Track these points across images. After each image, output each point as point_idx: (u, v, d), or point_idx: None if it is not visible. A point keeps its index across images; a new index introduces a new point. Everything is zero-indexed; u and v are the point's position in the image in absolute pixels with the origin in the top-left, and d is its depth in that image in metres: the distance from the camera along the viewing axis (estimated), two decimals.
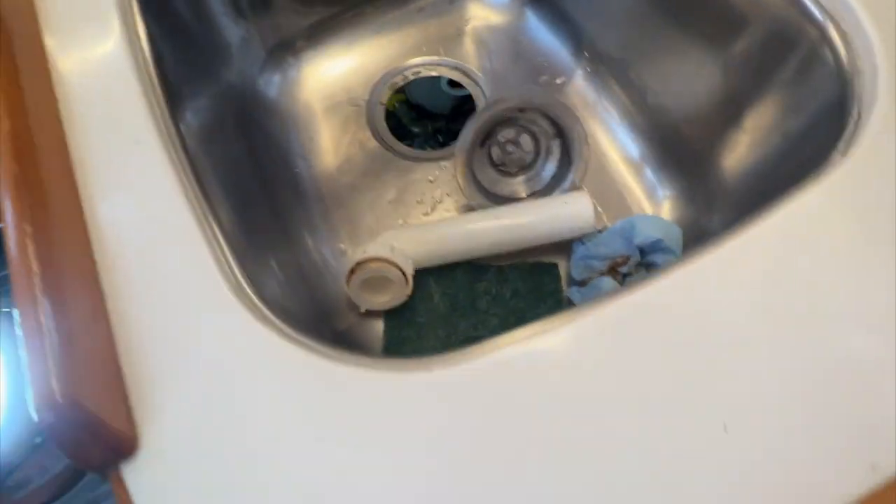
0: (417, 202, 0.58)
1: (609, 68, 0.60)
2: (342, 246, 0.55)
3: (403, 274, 0.48)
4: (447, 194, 0.59)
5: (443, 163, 0.60)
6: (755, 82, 0.43)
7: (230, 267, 0.29)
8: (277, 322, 0.27)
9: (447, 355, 0.26)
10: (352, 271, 0.48)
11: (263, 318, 0.27)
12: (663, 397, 0.24)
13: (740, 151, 0.45)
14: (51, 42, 0.34)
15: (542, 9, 0.64)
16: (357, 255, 0.48)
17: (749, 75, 0.44)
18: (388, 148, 0.61)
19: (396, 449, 0.24)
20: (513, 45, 0.65)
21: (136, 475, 0.24)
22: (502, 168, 0.57)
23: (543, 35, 0.64)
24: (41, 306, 0.23)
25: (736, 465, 0.23)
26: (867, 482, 0.22)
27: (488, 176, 0.57)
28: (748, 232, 0.27)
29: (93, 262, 0.28)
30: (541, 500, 0.22)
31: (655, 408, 0.24)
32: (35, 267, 0.24)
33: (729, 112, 0.46)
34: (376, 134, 0.61)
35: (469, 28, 0.66)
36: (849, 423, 0.24)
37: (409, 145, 0.61)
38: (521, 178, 0.57)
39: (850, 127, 0.31)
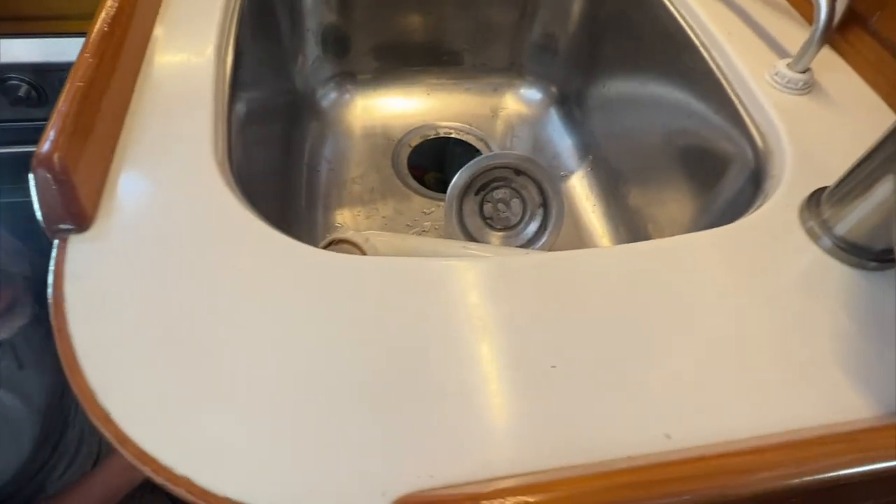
0: (407, 224, 0.65)
1: (606, 174, 0.68)
2: (328, 235, 0.62)
3: None
4: (434, 227, 0.65)
5: (442, 203, 0.67)
6: (710, 194, 0.50)
7: (225, 154, 0.36)
8: (243, 198, 0.33)
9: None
10: (325, 245, 0.54)
11: (232, 189, 0.33)
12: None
13: None
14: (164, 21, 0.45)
15: (565, 112, 0.75)
16: (337, 232, 0.54)
17: (709, 186, 0.51)
18: (401, 178, 0.69)
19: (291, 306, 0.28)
20: (533, 135, 0.75)
21: (77, 245, 0.29)
22: (489, 221, 0.64)
23: (560, 134, 0.74)
24: (66, 107, 0.31)
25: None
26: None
27: (474, 223, 0.63)
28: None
29: (126, 107, 0.35)
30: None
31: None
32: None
33: (688, 210, 0.52)
34: (395, 165, 0.70)
35: (502, 113, 0.77)
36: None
37: (423, 184, 0.70)
38: (501, 234, 0.64)
39: (753, 209, 0.37)
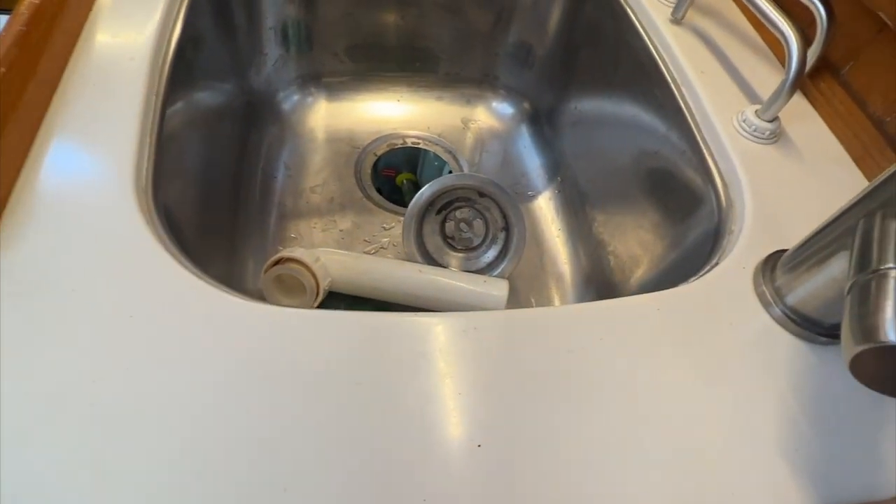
0: (365, 240, 0.63)
1: (573, 197, 0.67)
2: (280, 247, 0.59)
3: (317, 286, 0.51)
4: (393, 244, 0.63)
5: (403, 218, 0.65)
6: (672, 233, 0.49)
7: (147, 201, 0.33)
8: (164, 234, 0.30)
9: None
10: (273, 263, 0.51)
11: (150, 222, 0.31)
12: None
13: (645, 278, 0.49)
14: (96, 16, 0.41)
15: (536, 129, 0.73)
16: (286, 250, 0.52)
17: (670, 227, 0.50)
18: (362, 189, 0.67)
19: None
20: (503, 150, 0.73)
21: None
22: (450, 241, 0.62)
23: (530, 152, 0.72)
24: None
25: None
26: None
27: (434, 242, 0.61)
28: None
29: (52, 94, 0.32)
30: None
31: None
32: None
33: (649, 249, 0.51)
34: (357, 175, 0.68)
35: (473, 125, 0.75)
36: None
37: (387, 197, 0.67)
38: (462, 255, 0.62)
39: (707, 267, 0.36)
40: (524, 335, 0.30)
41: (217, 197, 0.55)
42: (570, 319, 0.31)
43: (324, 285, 0.52)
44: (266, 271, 0.51)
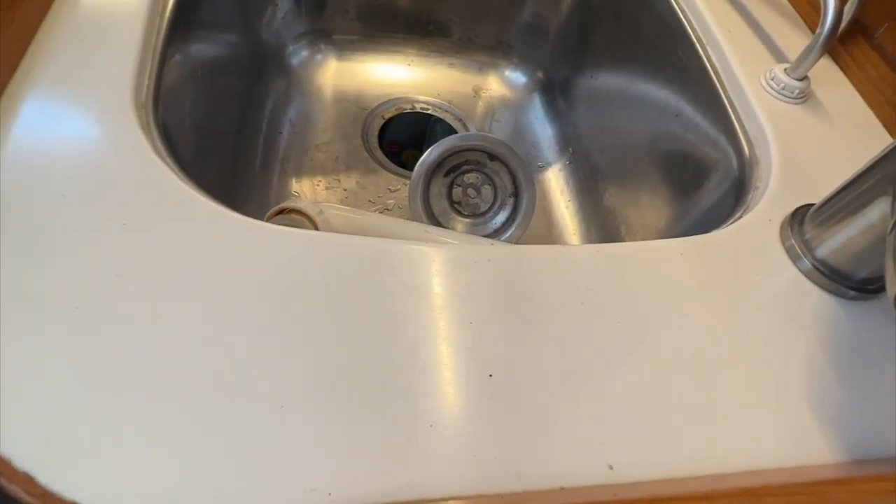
0: (369, 201, 0.61)
1: (584, 169, 0.65)
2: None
3: None
4: (399, 206, 0.61)
5: (409, 181, 0.63)
6: (688, 201, 0.47)
7: (150, 97, 0.31)
8: (165, 151, 0.29)
9: None
10: (275, 213, 0.49)
11: (150, 138, 0.29)
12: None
13: None
14: None
15: (549, 100, 0.71)
16: (288, 201, 0.50)
17: (689, 192, 0.48)
18: (368, 151, 0.65)
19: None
20: (514, 120, 0.71)
21: None
22: (457, 206, 0.60)
23: (542, 122, 0.70)
24: None
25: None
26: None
27: (440, 206, 0.60)
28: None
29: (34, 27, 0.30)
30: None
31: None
32: None
33: (664, 215, 0.49)
34: (364, 136, 0.66)
35: (485, 94, 0.73)
36: None
37: (392, 160, 0.65)
38: (468, 221, 0.60)
39: (732, 220, 0.34)
40: (541, 270, 0.28)
41: (218, 149, 0.53)
42: (590, 258, 0.29)
43: None
44: (267, 220, 0.49)
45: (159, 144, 0.29)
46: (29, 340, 0.21)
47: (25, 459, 0.19)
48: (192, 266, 0.25)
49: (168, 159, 0.28)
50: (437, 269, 0.27)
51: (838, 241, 0.30)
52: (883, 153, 0.28)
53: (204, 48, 0.48)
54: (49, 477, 0.18)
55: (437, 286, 0.26)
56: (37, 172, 0.26)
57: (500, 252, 0.28)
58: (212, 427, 0.21)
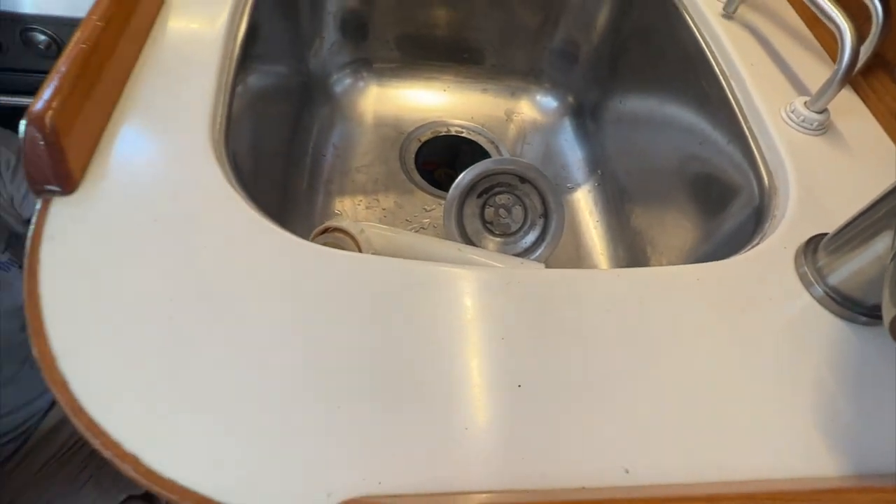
0: (406, 220, 0.65)
1: (612, 191, 0.67)
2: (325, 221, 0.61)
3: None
4: (434, 226, 0.65)
5: (443, 202, 0.67)
6: (711, 224, 0.49)
7: (222, 131, 0.35)
8: (235, 181, 0.33)
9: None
10: (320, 231, 0.53)
11: (224, 170, 0.33)
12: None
13: None
14: None
15: (579, 124, 0.74)
16: (332, 220, 0.54)
17: (711, 217, 0.50)
18: (406, 172, 0.69)
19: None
20: (545, 143, 0.74)
21: (59, 208, 0.29)
22: (489, 225, 0.63)
23: (572, 145, 0.73)
24: (65, 68, 0.30)
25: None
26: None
27: (474, 225, 0.63)
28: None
29: (128, 73, 0.35)
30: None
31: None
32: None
33: (688, 238, 0.51)
34: (402, 158, 0.70)
35: (517, 117, 0.76)
36: None
37: (428, 181, 0.69)
38: (500, 240, 0.63)
39: (748, 247, 0.36)
40: (567, 293, 0.31)
41: (271, 171, 0.58)
42: (610, 281, 0.32)
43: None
44: (313, 238, 0.53)
45: (230, 174, 0.33)
46: (135, 342, 0.25)
47: (133, 443, 0.22)
48: (262, 283, 0.28)
49: (238, 188, 0.33)
50: (471, 290, 0.30)
51: (849, 270, 0.32)
52: (890, 188, 0.30)
53: (261, 79, 0.53)
54: (151, 458, 0.22)
55: (471, 305, 0.30)
56: (133, 201, 0.30)
57: (529, 275, 0.31)
58: (281, 420, 0.24)
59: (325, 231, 0.54)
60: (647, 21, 0.63)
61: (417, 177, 0.69)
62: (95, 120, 0.32)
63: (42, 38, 0.80)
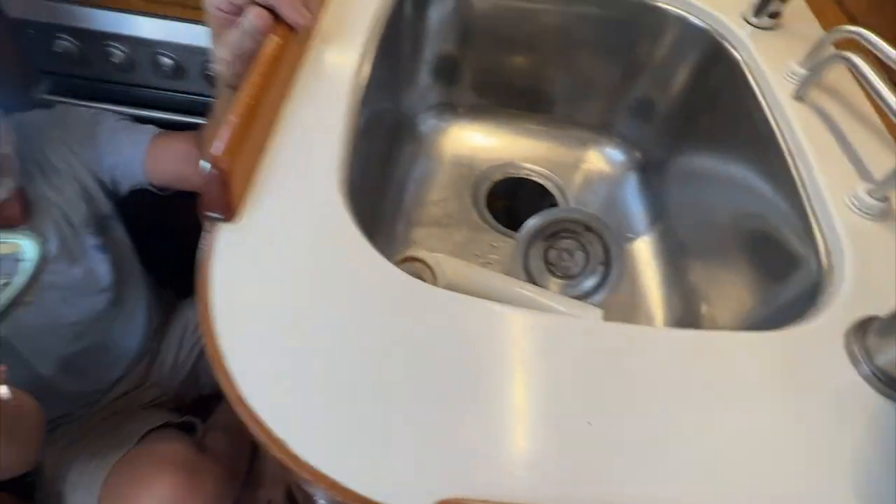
0: (475, 254, 0.70)
1: (672, 245, 0.71)
2: (402, 250, 0.68)
3: (435, 285, 0.59)
4: (499, 262, 0.70)
5: (510, 240, 0.72)
6: (767, 292, 0.52)
7: (343, 186, 0.42)
8: (352, 215, 0.39)
9: None
10: (402, 259, 0.60)
11: (346, 204, 0.40)
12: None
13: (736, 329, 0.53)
14: (316, 42, 0.52)
15: (643, 178, 0.78)
16: (413, 250, 0.60)
17: (767, 286, 0.53)
18: (478, 210, 0.75)
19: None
20: (609, 192, 0.79)
21: (223, 233, 0.36)
22: (551, 267, 0.68)
23: (635, 197, 0.77)
24: (235, 119, 0.38)
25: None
26: None
27: (537, 266, 0.68)
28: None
29: (275, 122, 0.42)
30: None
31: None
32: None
33: (743, 302, 0.55)
34: (474, 196, 0.76)
35: (584, 166, 0.81)
36: None
37: (495, 218, 0.75)
38: (561, 282, 0.68)
39: (801, 321, 0.40)
40: (624, 346, 0.35)
41: (365, 199, 0.65)
42: (667, 341, 0.36)
43: (441, 285, 0.60)
44: (397, 264, 0.60)
45: (348, 207, 0.40)
46: (281, 344, 0.32)
47: (281, 430, 0.28)
48: (373, 303, 0.35)
49: (360, 231, 0.39)
50: (537, 332, 0.35)
51: (895, 354, 0.35)
52: None
53: (368, 120, 0.59)
54: (295, 444, 0.28)
55: (533, 346, 0.35)
56: (278, 229, 0.37)
57: (590, 326, 0.36)
58: (398, 422, 0.30)
59: (407, 259, 0.60)
60: (721, 90, 0.67)
61: (487, 214, 0.75)
62: (252, 161, 0.40)
63: (168, 61, 0.91)
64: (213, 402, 1.04)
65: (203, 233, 0.37)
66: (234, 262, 0.35)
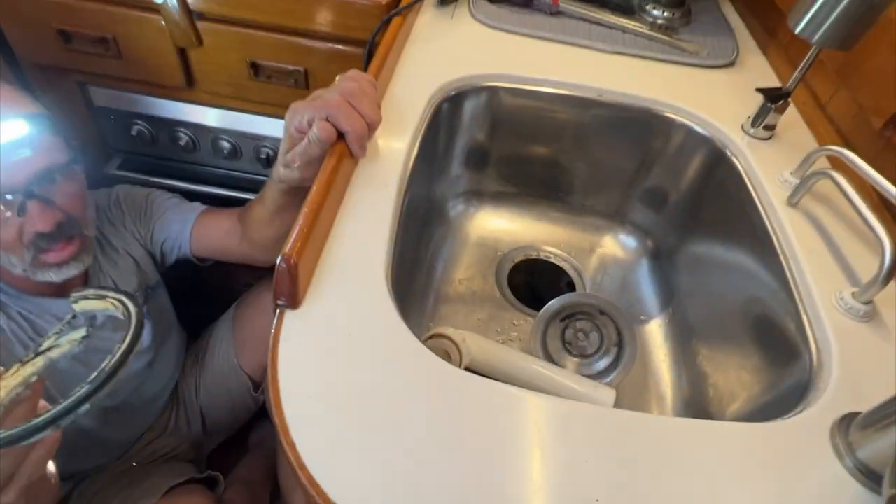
0: (496, 331, 0.76)
1: (682, 328, 0.76)
2: (430, 324, 0.74)
3: (461, 361, 0.65)
4: (519, 339, 0.76)
5: (529, 318, 0.78)
6: (768, 381, 0.57)
7: (388, 278, 0.49)
8: (395, 305, 0.46)
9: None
10: (429, 336, 0.66)
11: (390, 295, 0.46)
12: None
13: (739, 413, 0.57)
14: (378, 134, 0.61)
15: (655, 264, 0.84)
16: (441, 327, 0.67)
17: (767, 374, 0.58)
18: (500, 289, 0.81)
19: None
20: (623, 276, 0.85)
21: (290, 319, 0.43)
22: (568, 346, 0.73)
23: (647, 282, 0.83)
24: (302, 223, 0.45)
25: None
26: None
27: (554, 345, 0.73)
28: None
29: (331, 227, 0.50)
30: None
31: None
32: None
33: (746, 388, 0.59)
34: (497, 276, 0.83)
35: (599, 251, 0.88)
36: None
37: (516, 296, 0.81)
38: (576, 360, 0.73)
39: (792, 414, 0.44)
40: (632, 431, 0.40)
41: (400, 277, 0.72)
42: (677, 428, 0.41)
43: (465, 362, 0.66)
44: (425, 340, 0.66)
45: (393, 298, 0.46)
46: (338, 412, 0.38)
47: (331, 488, 0.34)
48: (401, 377, 0.40)
49: (398, 311, 0.46)
50: (552, 415, 0.41)
51: (875, 448, 0.39)
52: None
53: (408, 206, 0.67)
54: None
55: (550, 428, 0.40)
56: (334, 318, 0.44)
57: (601, 413, 0.41)
58: (428, 474, 0.35)
59: (435, 335, 0.66)
60: (725, 189, 0.74)
61: (509, 293, 0.81)
62: (313, 258, 0.47)
63: (227, 145, 1.02)
64: (234, 458, 1.08)
65: (274, 315, 0.44)
66: (296, 343, 0.42)
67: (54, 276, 0.70)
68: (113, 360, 0.38)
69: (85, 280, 0.80)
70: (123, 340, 0.39)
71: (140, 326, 0.40)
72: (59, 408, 0.36)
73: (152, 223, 0.88)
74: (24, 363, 0.41)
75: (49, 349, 0.41)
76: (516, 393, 0.42)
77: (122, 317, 0.42)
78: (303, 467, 0.35)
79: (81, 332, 0.42)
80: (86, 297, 0.44)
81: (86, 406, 0.36)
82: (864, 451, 0.40)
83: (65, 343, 0.42)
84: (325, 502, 0.34)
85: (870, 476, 0.39)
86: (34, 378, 0.40)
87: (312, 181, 0.49)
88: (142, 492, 0.84)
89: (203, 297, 1.05)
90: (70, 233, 0.70)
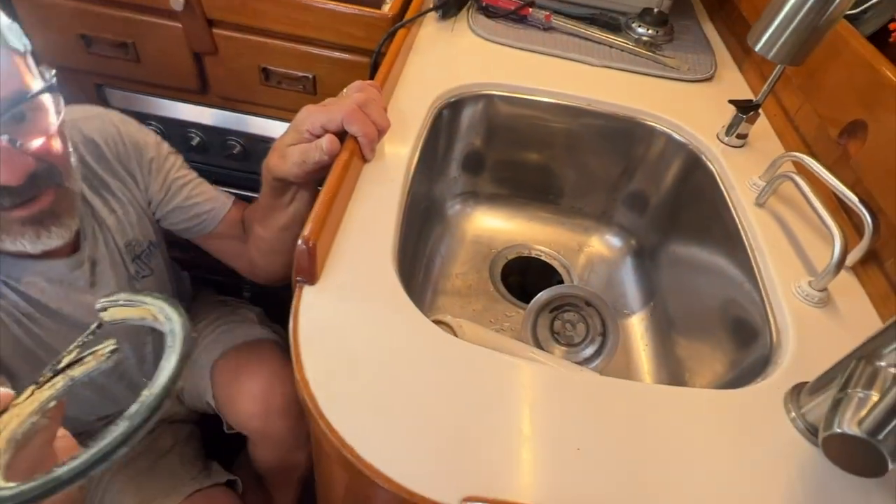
0: (490, 321, 0.81)
1: (662, 321, 0.82)
2: (428, 314, 0.79)
3: None
4: (511, 329, 0.81)
5: (521, 310, 0.83)
6: (736, 358, 0.63)
7: (394, 260, 0.55)
8: (407, 298, 0.52)
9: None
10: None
11: (396, 271, 0.52)
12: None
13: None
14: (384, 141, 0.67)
15: (638, 262, 0.90)
16: (439, 315, 0.72)
17: (735, 355, 0.64)
18: (494, 283, 0.87)
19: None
20: (608, 273, 0.91)
21: (308, 293, 0.49)
22: (556, 335, 0.79)
23: (631, 278, 0.89)
24: (324, 207, 0.51)
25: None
26: None
27: (544, 334, 0.79)
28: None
29: (343, 215, 0.56)
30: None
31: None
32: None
33: (716, 370, 0.65)
34: (491, 271, 0.88)
35: (587, 249, 0.94)
36: None
37: (509, 290, 0.87)
38: (563, 348, 0.78)
39: (754, 383, 0.50)
40: (613, 396, 0.46)
41: (404, 271, 0.77)
42: (653, 393, 0.47)
43: None
44: None
45: (398, 275, 0.52)
46: (356, 373, 0.43)
47: (354, 440, 0.39)
48: (420, 355, 0.46)
49: (401, 285, 0.51)
50: (542, 379, 0.46)
51: (820, 410, 0.45)
52: (848, 354, 0.44)
53: (410, 205, 0.73)
54: (364, 452, 0.39)
55: (539, 389, 0.45)
56: (347, 291, 0.49)
57: (588, 378, 0.47)
58: (448, 427, 0.40)
59: (434, 322, 0.72)
60: (701, 191, 0.80)
61: (502, 288, 0.87)
62: (328, 241, 0.52)
63: (237, 146, 1.07)
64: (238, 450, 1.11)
65: (294, 290, 0.49)
66: (313, 314, 0.47)
67: (28, 246, 0.55)
68: (157, 388, 0.29)
69: (76, 240, 0.66)
70: (167, 358, 0.30)
71: (189, 343, 0.32)
72: (90, 453, 0.28)
73: (167, 194, 0.77)
74: (39, 385, 0.33)
75: (69, 366, 0.33)
76: (511, 360, 0.47)
77: (163, 329, 0.33)
78: (322, 416, 0.40)
79: (111, 345, 0.34)
80: (116, 304, 0.36)
81: (124, 449, 0.28)
82: (812, 414, 0.46)
83: (90, 359, 0.33)
84: (342, 445, 0.39)
85: (816, 434, 0.45)
86: (52, 403, 0.33)
87: (298, 180, 0.58)
88: (164, 489, 0.83)
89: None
90: (45, 186, 0.54)
